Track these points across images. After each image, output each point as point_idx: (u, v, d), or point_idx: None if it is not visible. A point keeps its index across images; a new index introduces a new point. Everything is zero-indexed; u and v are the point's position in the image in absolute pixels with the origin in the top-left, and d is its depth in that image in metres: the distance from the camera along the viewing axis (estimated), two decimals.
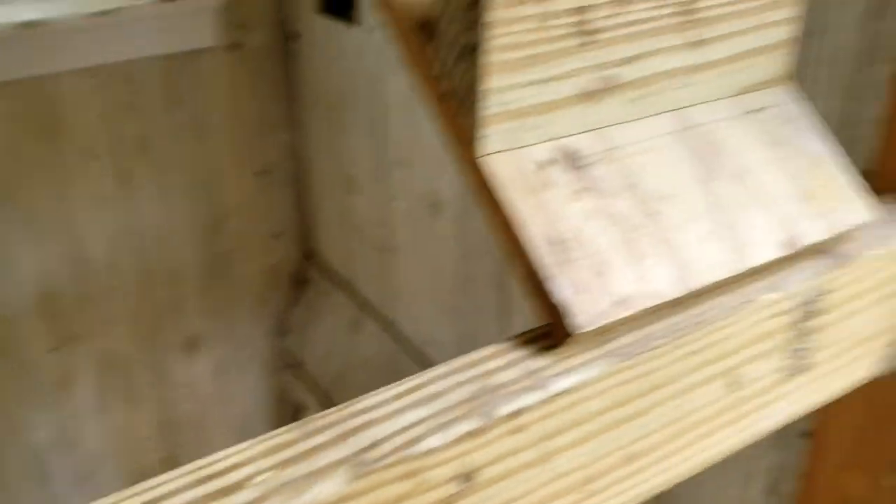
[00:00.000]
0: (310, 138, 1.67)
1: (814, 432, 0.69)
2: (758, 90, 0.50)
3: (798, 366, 0.50)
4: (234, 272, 1.78)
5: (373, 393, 0.36)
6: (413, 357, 1.48)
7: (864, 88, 0.61)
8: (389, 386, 0.36)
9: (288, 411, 1.95)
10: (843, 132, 0.64)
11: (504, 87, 0.41)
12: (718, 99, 0.49)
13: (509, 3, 0.39)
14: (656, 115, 0.47)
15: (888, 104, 0.56)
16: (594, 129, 0.45)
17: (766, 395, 0.49)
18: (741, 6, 0.47)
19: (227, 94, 1.63)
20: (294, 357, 1.81)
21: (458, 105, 0.42)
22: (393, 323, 1.52)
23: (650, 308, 0.41)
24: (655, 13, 0.44)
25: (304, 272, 1.81)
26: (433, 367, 0.38)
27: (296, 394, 1.86)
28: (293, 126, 1.72)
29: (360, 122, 1.43)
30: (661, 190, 0.45)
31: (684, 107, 0.48)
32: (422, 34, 0.45)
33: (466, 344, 1.33)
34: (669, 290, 0.42)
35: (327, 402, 1.71)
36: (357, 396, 0.37)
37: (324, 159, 1.62)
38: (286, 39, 1.64)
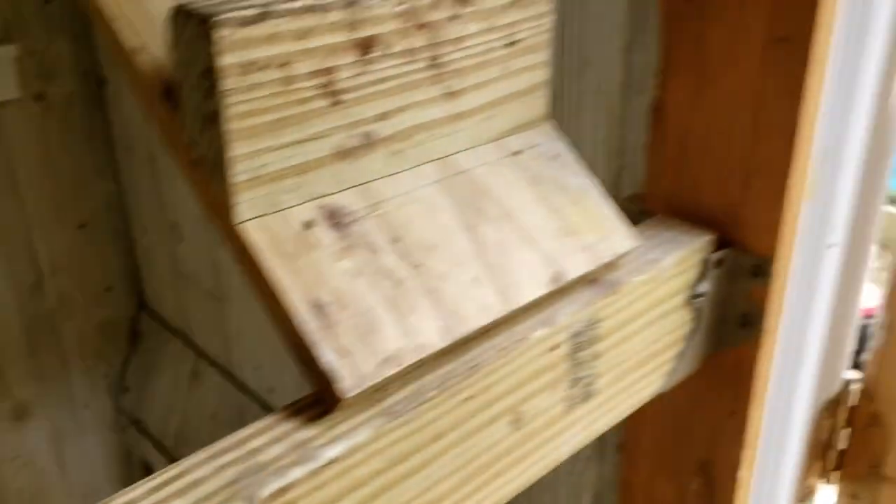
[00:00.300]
0: (132, 187, 1.60)
1: (625, 444, 0.72)
2: (518, 132, 0.52)
3: (581, 394, 0.51)
4: (63, 331, 1.68)
5: (125, 490, 0.34)
6: (261, 405, 1.44)
7: (631, 117, 0.64)
8: (143, 480, 0.35)
9: (138, 471, 1.86)
10: (616, 159, 0.67)
11: (252, 152, 0.40)
12: (481, 144, 0.50)
13: (244, 70, 0.39)
14: (420, 165, 0.48)
15: (651, 132, 0.59)
16: (356, 186, 0.45)
17: (554, 426, 0.50)
18: (489, 56, 0.48)
19: (37, 147, 1.55)
20: (134, 415, 1.73)
21: (209, 173, 0.42)
22: (233, 372, 1.48)
23: (419, 361, 0.42)
24: (404, 69, 0.45)
25: (139, 325, 1.73)
26: (193, 454, 0.36)
27: (143, 452, 1.77)
28: (114, 175, 1.65)
29: None
30: (426, 240, 0.45)
31: (448, 155, 0.49)
32: (167, 100, 0.44)
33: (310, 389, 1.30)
34: (437, 340, 0.42)
35: (173, 459, 1.63)
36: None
37: (148, 207, 1.56)
38: (97, 86, 1.57)
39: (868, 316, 0.72)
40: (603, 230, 0.51)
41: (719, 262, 0.57)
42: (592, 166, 0.68)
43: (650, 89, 0.61)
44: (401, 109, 0.46)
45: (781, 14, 0.50)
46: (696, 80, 0.56)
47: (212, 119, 0.40)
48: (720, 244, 0.57)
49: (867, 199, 0.61)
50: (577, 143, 0.69)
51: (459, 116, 0.49)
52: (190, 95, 0.41)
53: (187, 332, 1.58)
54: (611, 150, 0.66)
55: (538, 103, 0.53)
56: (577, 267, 0.49)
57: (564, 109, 0.68)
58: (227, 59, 0.38)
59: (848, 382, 0.72)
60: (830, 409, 0.72)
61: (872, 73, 0.55)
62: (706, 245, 0.57)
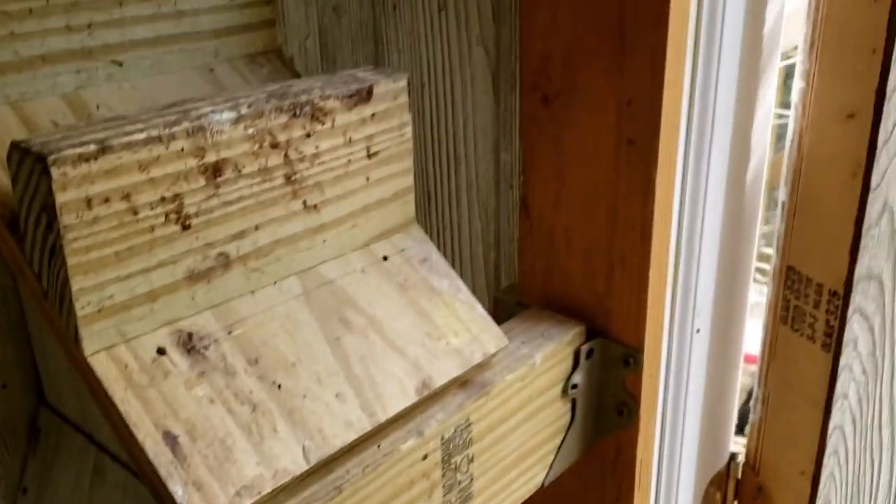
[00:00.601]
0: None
1: None
2: (385, 238, 0.53)
3: (458, 499, 0.51)
4: None
5: None
6: None
7: (503, 211, 0.66)
8: None
9: None
10: (493, 251, 0.69)
11: (97, 285, 0.40)
12: (346, 253, 0.51)
13: (84, 205, 0.38)
14: (282, 280, 0.48)
15: (520, 226, 0.61)
16: (212, 307, 0.45)
17: None
18: (349, 168, 0.49)
19: None
20: None
21: (57, 305, 0.41)
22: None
23: (279, 488, 0.41)
24: (257, 188, 0.45)
25: (38, 422, 1.66)
26: None
27: None
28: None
29: None
30: (287, 358, 0.45)
31: (312, 267, 0.49)
32: (13, 231, 0.43)
33: None
34: (298, 464, 0.42)
35: None
36: None
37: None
38: None
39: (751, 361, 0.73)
40: (471, 331, 0.52)
41: (590, 353, 0.58)
42: (471, 258, 0.70)
43: (519, 186, 0.63)
44: (257, 228, 0.46)
45: (628, 120, 0.52)
46: (556, 179, 0.58)
47: (54, 253, 0.39)
48: (591, 335, 0.59)
49: (731, 283, 0.63)
50: (455, 236, 0.70)
51: (322, 228, 0.49)
52: (32, 229, 0.40)
53: (89, 428, 1.52)
54: (487, 242, 0.68)
55: (404, 209, 0.53)
56: (446, 372, 0.49)
57: (440, 204, 0.69)
58: (66, 196, 0.38)
59: (733, 456, 0.74)
60: (718, 483, 0.74)
61: (722, 164, 0.58)
62: (577, 336, 0.58)
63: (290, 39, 0.70)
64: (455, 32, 0.63)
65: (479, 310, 0.53)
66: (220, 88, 0.55)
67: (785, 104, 0.69)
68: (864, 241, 0.58)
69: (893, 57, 0.53)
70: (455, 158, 0.66)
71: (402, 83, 0.51)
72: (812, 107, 0.60)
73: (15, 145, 0.39)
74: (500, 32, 0.60)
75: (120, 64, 0.51)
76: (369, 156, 0.50)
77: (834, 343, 0.62)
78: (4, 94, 0.47)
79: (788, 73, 0.68)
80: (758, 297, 0.71)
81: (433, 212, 0.69)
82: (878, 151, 0.56)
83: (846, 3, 0.55)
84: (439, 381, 0.49)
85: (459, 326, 0.52)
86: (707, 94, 0.54)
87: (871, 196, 0.57)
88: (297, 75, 0.58)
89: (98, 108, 0.49)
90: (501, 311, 0.65)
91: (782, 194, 0.64)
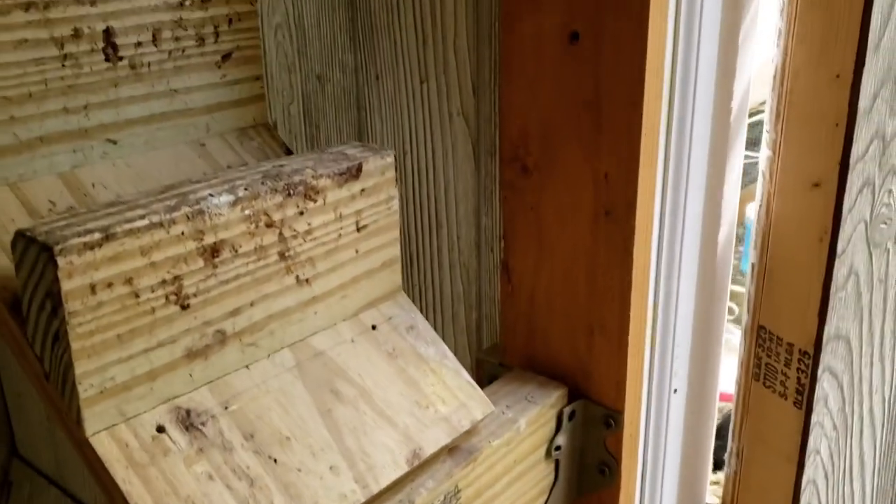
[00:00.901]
0: None
1: None
2: (373, 307, 0.54)
3: None
4: None
5: None
6: None
7: (484, 272, 0.68)
8: None
9: None
10: (475, 311, 0.70)
11: (100, 367, 0.41)
12: (336, 324, 0.52)
13: (88, 291, 0.40)
14: (276, 352, 0.49)
15: (501, 289, 0.63)
16: (209, 383, 0.46)
17: None
18: (339, 242, 0.51)
19: None
20: None
21: (58, 387, 0.42)
22: None
23: None
24: (253, 266, 0.46)
25: (10, 475, 1.63)
26: None
27: None
28: None
29: None
30: (282, 432, 0.46)
31: (304, 338, 0.51)
32: (14, 313, 0.44)
33: None
34: None
35: None
36: None
37: None
38: None
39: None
40: (458, 398, 0.54)
41: (572, 415, 0.60)
42: (453, 319, 0.71)
43: (500, 249, 0.65)
44: (252, 304, 0.47)
45: (606, 192, 0.55)
46: (536, 245, 0.60)
47: (57, 338, 0.40)
48: (573, 396, 0.60)
49: (705, 343, 0.66)
50: (437, 297, 0.72)
51: (313, 301, 0.51)
52: (36, 314, 0.41)
53: (63, 481, 1.50)
54: (468, 303, 0.69)
55: (391, 278, 0.55)
56: (435, 441, 0.51)
57: (422, 266, 0.71)
58: (71, 284, 0.39)
59: None
60: None
61: (695, 230, 0.61)
62: (559, 399, 0.60)
63: (273, 105, 0.72)
64: (436, 103, 0.65)
65: (465, 376, 0.55)
66: (211, 163, 0.56)
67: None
68: (832, 303, 0.61)
69: (855, 131, 0.57)
70: (437, 222, 0.68)
71: (390, 159, 0.53)
72: (779, 175, 0.63)
73: (20, 234, 0.40)
74: (479, 104, 0.63)
75: (115, 142, 0.52)
76: (358, 229, 0.52)
77: (805, 400, 0.64)
78: (3, 175, 0.48)
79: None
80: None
81: (415, 273, 0.71)
82: (842, 219, 0.59)
83: (810, 80, 0.59)
84: (429, 450, 0.50)
85: (447, 394, 0.53)
86: (680, 165, 0.57)
87: (837, 261, 0.60)
88: (286, 147, 0.60)
89: (94, 186, 0.51)
90: (484, 372, 0.66)
91: (752, 256, 0.67)
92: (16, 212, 0.48)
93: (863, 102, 0.56)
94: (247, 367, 0.48)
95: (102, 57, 0.50)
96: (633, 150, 0.53)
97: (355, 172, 0.51)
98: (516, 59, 0.57)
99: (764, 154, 0.64)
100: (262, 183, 0.47)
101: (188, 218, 0.43)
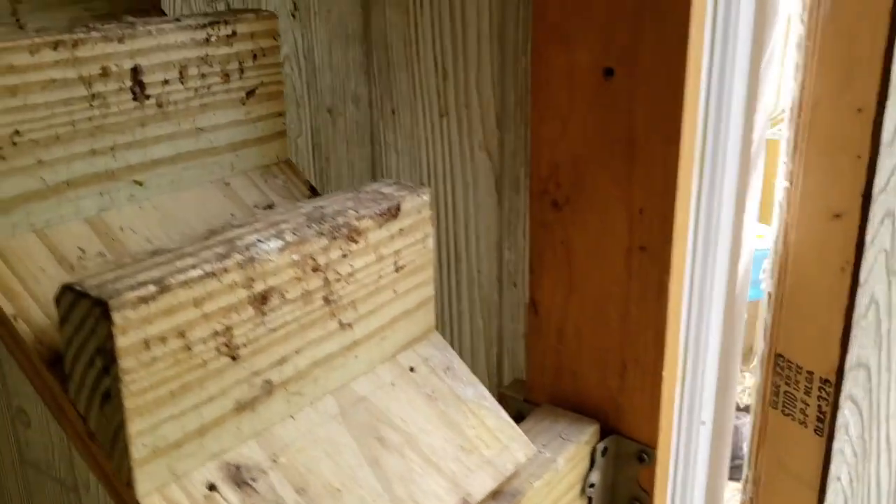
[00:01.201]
0: None
1: None
2: (410, 347, 0.53)
3: None
4: None
5: None
6: None
7: (506, 307, 0.67)
8: None
9: None
10: (495, 346, 0.69)
11: (153, 425, 0.39)
12: (376, 367, 0.51)
13: (142, 347, 0.38)
14: (319, 400, 0.47)
15: (528, 325, 0.62)
16: (256, 436, 0.44)
17: None
18: (379, 283, 0.49)
19: None
20: None
21: (105, 448, 0.39)
22: None
23: None
24: (299, 312, 0.45)
25: None
26: None
27: None
28: None
29: None
30: (332, 484, 0.45)
31: (346, 383, 0.49)
32: (54, 369, 0.42)
33: None
34: None
35: None
36: None
37: None
38: None
39: None
40: (501, 441, 0.53)
41: (605, 451, 0.59)
42: (472, 354, 0.70)
43: (523, 283, 0.65)
44: (298, 351, 0.46)
45: (640, 226, 0.54)
46: (566, 280, 0.59)
47: (108, 397, 0.38)
48: (603, 432, 0.60)
49: (727, 372, 0.66)
50: (456, 332, 0.71)
51: (355, 345, 0.49)
52: (82, 371, 0.39)
53: None
54: (489, 338, 0.68)
55: (426, 318, 0.54)
56: (482, 486, 0.50)
57: (441, 301, 0.70)
58: (126, 340, 0.37)
59: None
60: None
61: (724, 261, 0.61)
62: (593, 435, 0.59)
63: None
64: (457, 138, 0.64)
65: (504, 416, 0.54)
66: (237, 202, 0.55)
67: None
68: (854, 332, 0.62)
69: (878, 163, 0.57)
70: (456, 256, 0.67)
71: (426, 197, 0.52)
72: (797, 205, 0.63)
73: (68, 287, 0.38)
74: (503, 138, 0.62)
75: (141, 184, 0.50)
76: (397, 269, 0.51)
77: (827, 428, 0.65)
78: (30, 222, 0.45)
79: None
80: None
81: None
82: (865, 250, 0.59)
83: (830, 113, 0.59)
84: (477, 496, 0.49)
85: (489, 436, 0.52)
86: (712, 197, 0.57)
87: (859, 290, 0.60)
88: (309, 184, 0.59)
89: (122, 230, 0.49)
90: (508, 408, 0.65)
91: (768, 285, 0.68)
92: (45, 260, 0.45)
93: (885, 135, 0.57)
94: (292, 416, 0.46)
95: (130, 96, 0.48)
96: (669, 184, 0.53)
97: (394, 212, 0.50)
98: (547, 94, 0.56)
99: (780, 185, 0.65)
100: (308, 226, 0.45)
101: (240, 266, 0.41)
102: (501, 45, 0.60)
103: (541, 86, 0.56)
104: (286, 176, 0.58)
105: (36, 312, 0.43)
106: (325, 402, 0.48)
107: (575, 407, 0.61)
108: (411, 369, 0.53)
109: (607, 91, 0.54)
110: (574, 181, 0.57)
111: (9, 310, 0.42)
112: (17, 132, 0.44)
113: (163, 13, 0.63)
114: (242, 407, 0.43)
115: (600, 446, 0.59)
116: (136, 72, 0.48)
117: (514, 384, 0.67)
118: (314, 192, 0.59)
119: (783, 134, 0.64)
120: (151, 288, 0.38)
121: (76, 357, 0.39)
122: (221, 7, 0.76)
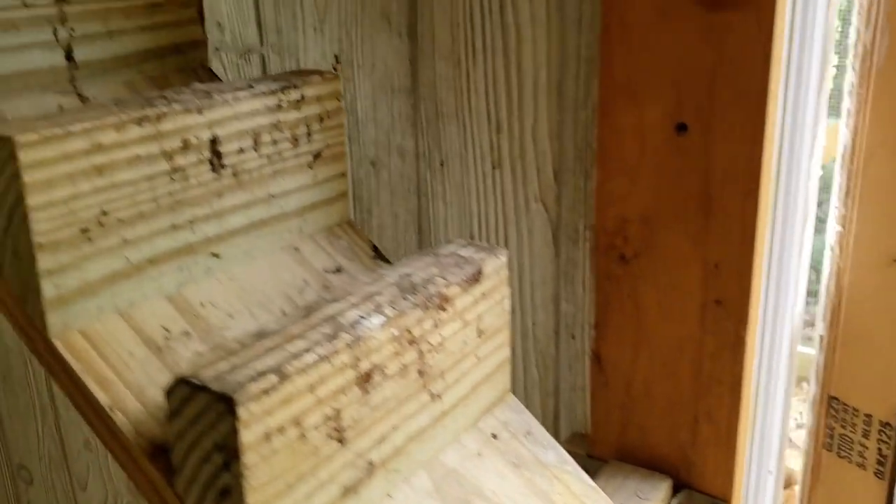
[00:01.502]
0: None
1: None
2: (488, 412, 0.52)
3: None
4: None
5: None
6: None
7: (563, 360, 0.66)
8: None
9: None
10: (552, 400, 0.69)
11: None
12: (461, 435, 0.50)
13: (263, 440, 0.36)
14: (412, 475, 0.46)
15: (592, 379, 0.61)
16: None
17: None
18: (464, 350, 0.48)
19: None
20: None
21: None
22: None
23: None
24: (398, 387, 0.44)
25: None
26: None
27: None
28: None
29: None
30: None
31: (435, 455, 0.48)
32: (158, 462, 0.40)
33: None
34: None
35: None
36: None
37: None
38: None
39: None
40: None
41: None
42: (527, 407, 0.69)
43: (581, 336, 0.64)
44: (395, 427, 0.44)
45: (715, 281, 0.54)
46: (634, 334, 0.58)
47: (227, 493, 0.36)
48: (675, 487, 0.59)
49: (785, 422, 0.66)
50: (512, 383, 0.70)
51: (443, 415, 0.48)
52: (195, 467, 0.37)
53: None
54: (545, 390, 0.67)
55: (503, 380, 0.53)
56: None
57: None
58: (250, 435, 0.35)
59: None
60: None
61: (791, 318, 0.61)
62: (667, 492, 0.58)
63: None
64: (511, 189, 0.63)
65: (586, 479, 0.53)
66: (308, 268, 0.53)
67: None
68: None
69: None
70: (518, 305, 0.66)
71: (504, 258, 0.51)
72: (851, 250, 0.64)
73: (183, 381, 0.36)
74: (561, 191, 0.62)
75: (217, 255, 0.49)
76: (479, 334, 0.50)
77: (889, 471, 0.65)
78: (114, 303, 0.44)
79: None
80: None
81: None
82: None
83: (886, 160, 0.60)
84: None
85: (575, 502, 0.51)
86: (784, 251, 0.57)
87: None
88: (371, 244, 0.57)
89: (203, 305, 0.47)
90: None
91: (820, 328, 0.68)
92: (132, 343, 0.43)
93: None
94: (389, 495, 0.45)
95: (209, 167, 0.47)
96: (747, 238, 0.53)
97: (477, 276, 0.49)
98: (614, 150, 0.56)
99: (832, 229, 0.65)
100: (404, 298, 0.44)
101: (349, 346, 0.40)
102: (560, 98, 0.59)
103: (607, 141, 0.56)
104: (349, 237, 0.57)
105: (131, 401, 0.41)
106: (419, 478, 0.46)
107: (643, 462, 0.61)
108: (494, 436, 0.51)
109: (680, 147, 0.54)
110: (644, 236, 0.57)
111: (104, 400, 0.40)
112: (103, 212, 0.42)
113: (210, 71, 0.61)
114: (348, 491, 0.42)
115: (674, 502, 0.58)
116: (214, 142, 0.47)
117: (575, 438, 0.66)
118: (377, 253, 0.57)
119: (835, 179, 0.64)
120: (273, 378, 0.36)
121: (188, 451, 0.37)
122: (255, 60, 0.74)
